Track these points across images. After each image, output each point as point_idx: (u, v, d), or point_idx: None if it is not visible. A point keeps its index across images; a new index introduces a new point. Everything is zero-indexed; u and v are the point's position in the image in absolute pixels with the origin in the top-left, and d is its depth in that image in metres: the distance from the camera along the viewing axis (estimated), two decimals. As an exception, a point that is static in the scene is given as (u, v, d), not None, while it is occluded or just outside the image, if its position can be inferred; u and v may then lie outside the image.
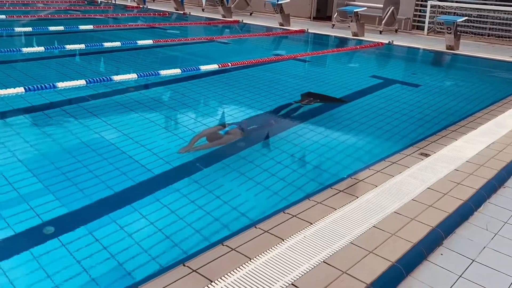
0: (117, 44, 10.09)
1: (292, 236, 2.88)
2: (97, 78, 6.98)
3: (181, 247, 3.13)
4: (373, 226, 3.07)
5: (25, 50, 8.97)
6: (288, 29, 14.79)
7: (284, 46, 13.09)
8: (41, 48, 9.19)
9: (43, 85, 6.40)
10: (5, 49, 8.69)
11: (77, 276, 2.83)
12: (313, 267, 2.59)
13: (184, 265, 2.55)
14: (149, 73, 7.54)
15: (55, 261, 2.95)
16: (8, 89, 6.17)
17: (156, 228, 3.34)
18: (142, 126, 5.47)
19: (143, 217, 3.49)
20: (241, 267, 2.54)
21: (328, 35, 14.22)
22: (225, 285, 2.38)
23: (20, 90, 6.21)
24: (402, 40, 13.37)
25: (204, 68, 8.24)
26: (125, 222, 3.40)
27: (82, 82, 6.78)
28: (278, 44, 13.41)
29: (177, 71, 7.85)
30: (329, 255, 2.70)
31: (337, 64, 10.59)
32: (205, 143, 4.72)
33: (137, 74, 7.42)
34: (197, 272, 2.48)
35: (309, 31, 14.56)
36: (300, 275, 2.50)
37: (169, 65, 8.23)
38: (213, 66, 8.36)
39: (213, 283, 2.40)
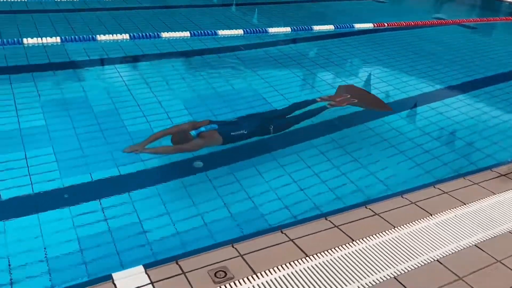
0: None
1: (441, 213, 2.67)
2: (253, 29, 7.15)
3: (314, 202, 3.14)
4: (540, 219, 2.68)
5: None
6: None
7: (448, 9, 11.83)
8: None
9: (204, 31, 6.77)
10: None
11: (218, 210, 3.04)
12: (462, 248, 2.38)
13: (326, 219, 2.54)
14: (301, 27, 7.48)
15: (201, 192, 3.21)
16: (175, 32, 6.67)
17: (293, 179, 3.39)
18: (288, 79, 5.50)
19: (280, 166, 3.57)
20: (384, 232, 2.45)
21: (503, 1, 12.46)
22: (367, 247, 2.32)
23: (186, 34, 6.65)
24: None
25: (358, 26, 7.89)
26: (265, 169, 3.51)
27: (239, 31, 7.01)
28: (441, 6, 12.19)
29: (330, 27, 7.65)
30: (482, 240, 2.46)
31: (508, 35, 9.27)
32: (167, 145, 3.49)
33: (290, 28, 7.42)
34: (339, 228, 2.46)
35: (479, -7, 12.95)
36: (447, 254, 2.32)
37: (321, 21, 8.06)
38: (367, 25, 7.96)
39: (354, 242, 2.36)
